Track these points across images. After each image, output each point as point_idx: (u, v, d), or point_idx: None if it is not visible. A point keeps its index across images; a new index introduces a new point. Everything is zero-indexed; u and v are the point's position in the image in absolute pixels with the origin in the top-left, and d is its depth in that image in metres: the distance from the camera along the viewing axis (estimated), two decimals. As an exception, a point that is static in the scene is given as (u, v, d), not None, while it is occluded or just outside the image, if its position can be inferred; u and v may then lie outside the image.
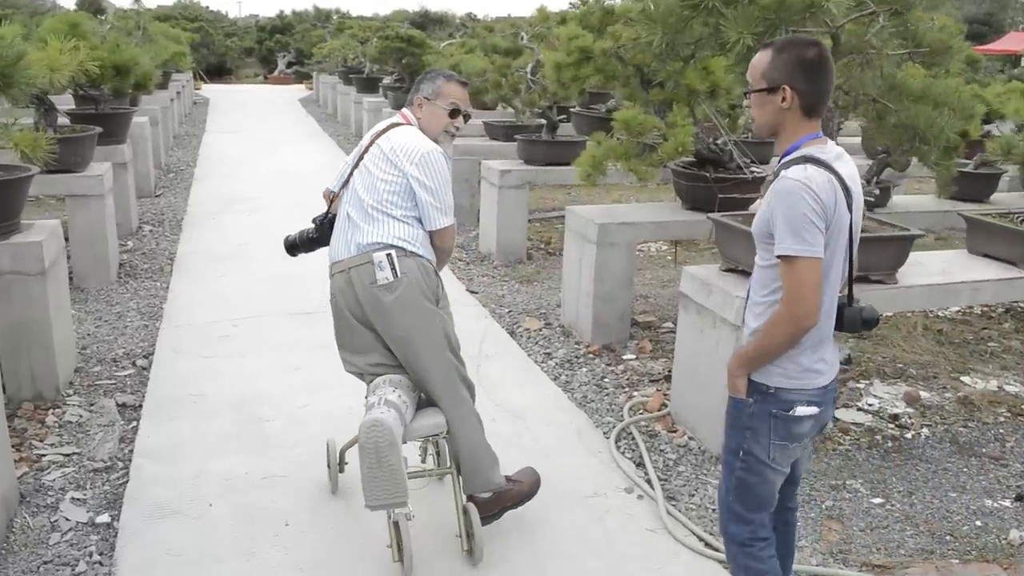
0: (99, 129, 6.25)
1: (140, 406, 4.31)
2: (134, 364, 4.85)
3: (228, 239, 7.59)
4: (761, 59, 2.34)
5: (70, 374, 4.57)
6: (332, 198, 3.38)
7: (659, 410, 4.41)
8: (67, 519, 3.32)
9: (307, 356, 4.95)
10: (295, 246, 3.45)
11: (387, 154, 3.13)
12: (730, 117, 5.63)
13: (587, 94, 8.51)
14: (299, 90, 24.97)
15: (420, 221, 3.14)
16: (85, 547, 3.16)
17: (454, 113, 3.27)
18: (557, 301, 6.14)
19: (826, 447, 4.14)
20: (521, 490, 3.29)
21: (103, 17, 11.00)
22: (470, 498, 3.17)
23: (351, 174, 3.25)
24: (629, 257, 5.33)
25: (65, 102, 7.57)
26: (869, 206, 4.15)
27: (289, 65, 28.77)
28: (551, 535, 3.33)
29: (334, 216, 3.31)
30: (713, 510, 3.51)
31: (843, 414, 4.51)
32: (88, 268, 6.12)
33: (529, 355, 5.18)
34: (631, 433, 4.17)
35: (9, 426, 3.83)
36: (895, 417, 4.51)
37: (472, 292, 6.38)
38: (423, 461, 3.63)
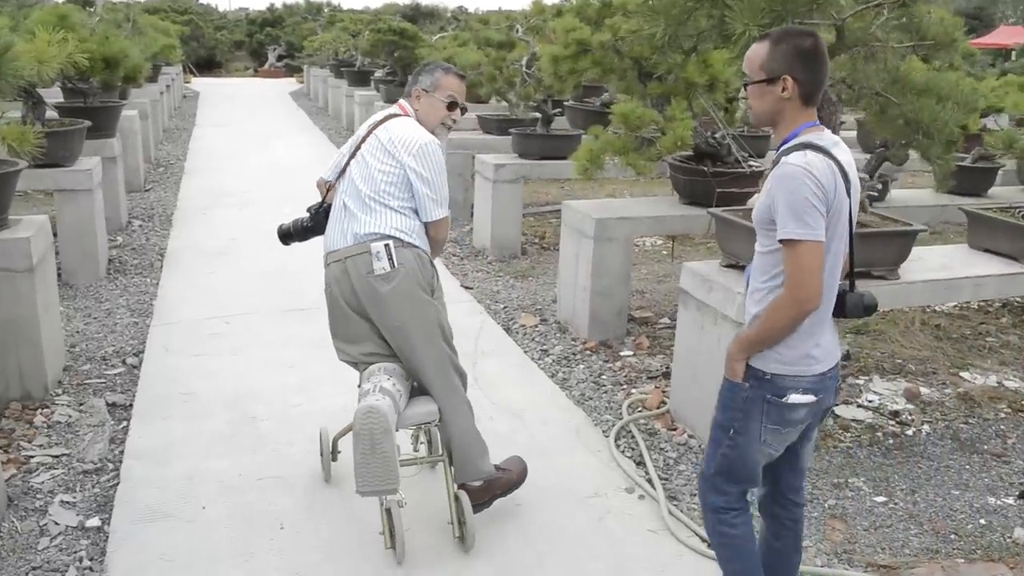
0: (88, 123, 6.15)
1: (131, 405, 4.23)
2: (124, 362, 4.77)
3: (219, 234, 7.49)
4: (759, 51, 2.36)
5: (59, 373, 4.49)
6: (328, 188, 3.37)
7: (658, 408, 4.36)
8: (56, 523, 3.24)
9: (300, 353, 4.87)
10: (289, 235, 3.47)
11: (385, 145, 3.15)
12: (727, 110, 5.57)
13: (581, 87, 8.45)
14: (290, 83, 24.81)
15: (416, 212, 3.16)
16: (75, 552, 3.09)
17: (452, 106, 3.30)
18: (553, 297, 6.08)
19: (827, 444, 4.10)
20: (510, 478, 3.32)
21: (92, 9, 10.85)
22: (461, 486, 3.19)
23: (347, 164, 3.25)
24: (627, 252, 5.27)
25: (53, 95, 7.44)
26: (872, 200, 4.11)
27: (280, 58, 28.58)
28: (551, 536, 3.27)
29: (329, 205, 3.33)
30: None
31: (843, 411, 4.46)
32: (77, 264, 6.03)
33: (525, 352, 5.11)
34: (630, 431, 4.12)
35: (-3, 427, 3.76)
36: (896, 414, 4.47)
37: (467, 288, 6.31)
38: (415, 449, 3.64)
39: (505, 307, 5.92)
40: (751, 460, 2.48)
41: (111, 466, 3.69)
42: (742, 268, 3.91)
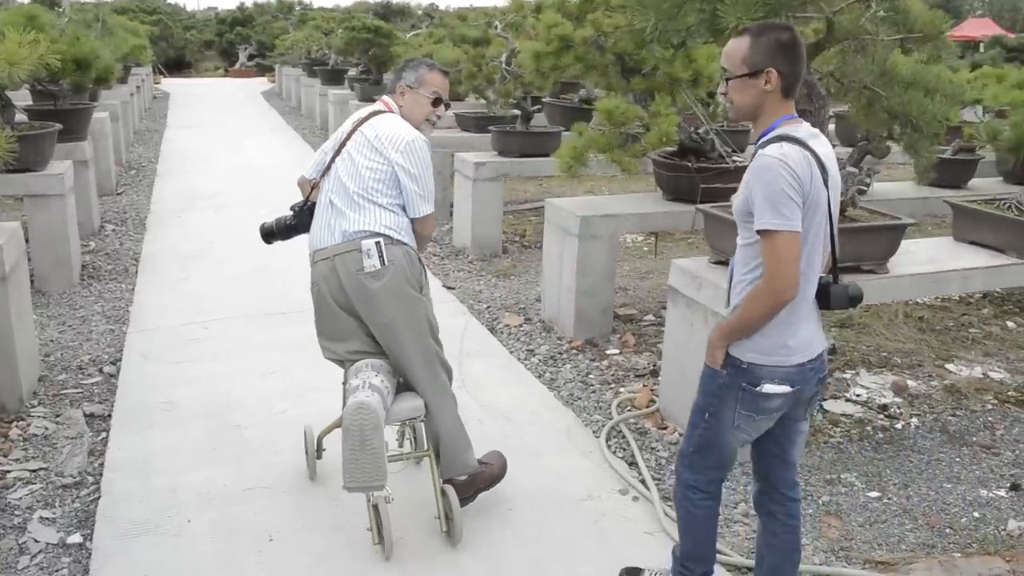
0: (59, 126, 6.00)
1: (109, 416, 4.12)
2: (101, 371, 4.65)
3: (195, 237, 7.36)
4: (740, 45, 2.39)
5: (34, 383, 4.36)
6: (312, 186, 3.34)
7: (648, 406, 4.31)
8: (36, 540, 3.14)
9: (283, 358, 4.78)
10: (272, 234, 3.45)
11: (372, 141, 3.15)
12: (709, 105, 5.53)
13: (558, 84, 8.39)
14: (261, 83, 24.55)
15: (404, 209, 3.17)
16: (57, 570, 2.99)
17: (436, 102, 3.32)
18: (536, 295, 6.03)
19: (817, 440, 4.08)
20: (492, 472, 3.36)
21: (61, 10, 10.63)
22: (447, 481, 3.20)
23: (332, 161, 3.23)
24: (611, 250, 5.22)
25: (21, 98, 7.26)
26: (862, 194, 4.09)
27: (251, 58, 28.27)
28: (546, 540, 3.21)
29: (313, 204, 3.32)
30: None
31: (832, 405, 4.45)
32: (49, 271, 5.89)
33: (511, 352, 5.05)
34: (621, 431, 4.07)
35: (-29, 441, 3.64)
36: (884, 407, 4.46)
37: (449, 288, 6.24)
38: (400, 445, 3.62)
39: (488, 307, 5.86)
40: (725, 443, 2.55)
41: (91, 479, 3.59)
42: (732, 265, 3.88)
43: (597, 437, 4.00)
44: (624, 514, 3.39)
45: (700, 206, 4.23)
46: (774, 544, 2.68)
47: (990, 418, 4.38)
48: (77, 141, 7.01)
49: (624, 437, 4.01)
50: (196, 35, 30.25)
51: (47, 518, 3.29)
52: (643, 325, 5.57)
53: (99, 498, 3.41)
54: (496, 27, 7.81)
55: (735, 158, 5.33)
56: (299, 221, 3.37)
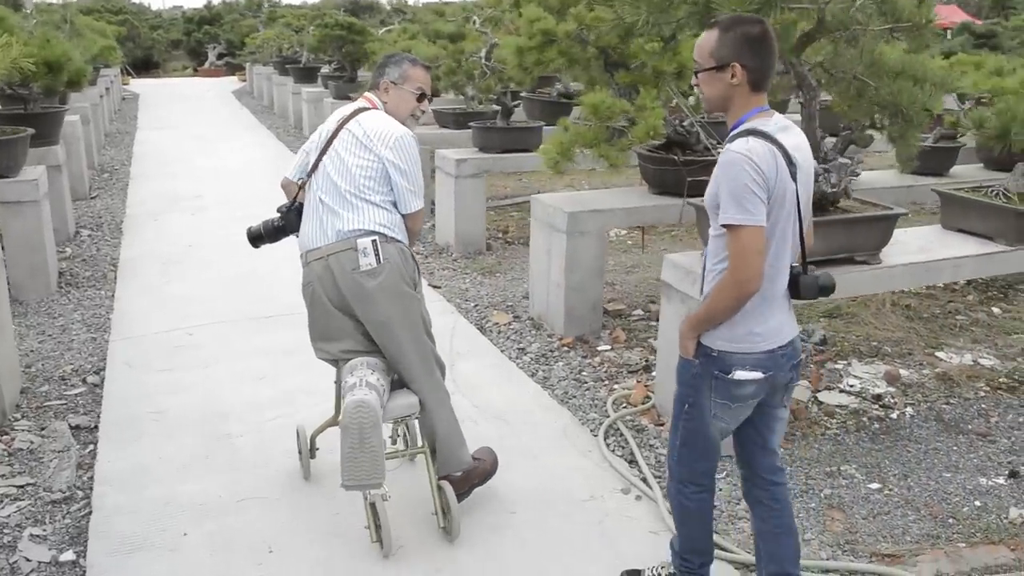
0: (31, 130, 5.86)
1: (96, 427, 4.03)
2: (84, 381, 4.55)
3: (173, 240, 7.22)
4: (708, 38, 2.42)
5: (16, 396, 4.26)
6: (301, 185, 3.30)
7: (643, 403, 4.28)
8: (28, 559, 3.05)
9: (271, 364, 4.70)
10: (259, 236, 3.41)
11: (361, 139, 3.13)
12: (695, 98, 5.51)
13: (536, 78, 8.34)
14: (231, 82, 24.26)
15: (395, 205, 3.16)
16: (51, 589, 2.91)
17: (421, 97, 3.31)
18: (523, 292, 5.98)
19: (814, 432, 4.07)
20: (485, 468, 3.38)
21: (29, 11, 10.40)
22: (443, 477, 3.20)
23: (319, 160, 3.20)
24: (600, 245, 5.19)
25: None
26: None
27: (220, 57, 27.91)
28: (551, 542, 3.17)
29: (300, 204, 3.29)
30: (715, 507, 3.39)
31: (826, 397, 4.44)
32: (26, 279, 5.75)
33: (502, 351, 5.00)
34: (618, 429, 4.04)
35: (-46, 458, 3.54)
36: (878, 397, 4.46)
37: (435, 287, 6.18)
38: (393, 443, 3.60)
39: (476, 305, 5.80)
40: (707, 433, 2.58)
41: (81, 494, 3.50)
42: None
43: (595, 436, 3.96)
44: (627, 514, 3.35)
45: (690, 200, 4.20)
46: (765, 531, 2.70)
47: (983, 405, 4.39)
48: (49, 145, 6.86)
49: (622, 435, 3.98)
50: (163, 35, 29.84)
51: (38, 535, 3.20)
52: (632, 320, 5.54)
53: (90, 513, 3.33)
54: (474, 22, 7.74)
55: (720, 150, 5.29)
56: (287, 223, 3.34)
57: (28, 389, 4.41)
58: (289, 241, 3.43)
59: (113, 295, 5.88)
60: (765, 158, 2.31)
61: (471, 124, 7.32)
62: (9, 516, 3.31)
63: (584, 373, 4.68)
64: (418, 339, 3.16)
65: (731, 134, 2.42)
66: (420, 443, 3.35)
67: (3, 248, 5.50)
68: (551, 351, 4.98)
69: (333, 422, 3.47)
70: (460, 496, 3.20)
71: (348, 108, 3.28)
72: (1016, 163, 4.71)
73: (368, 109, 3.24)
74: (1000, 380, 4.68)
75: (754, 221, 2.30)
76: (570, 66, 5.25)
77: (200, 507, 3.36)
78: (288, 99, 15.06)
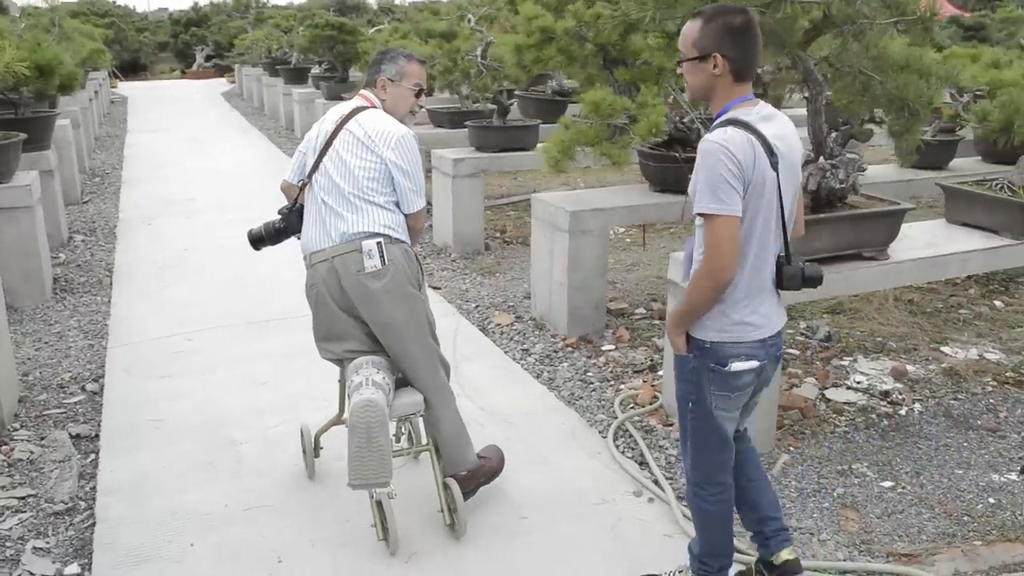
0: (23, 135, 5.78)
1: (96, 436, 3.97)
2: (83, 389, 4.48)
3: (168, 245, 7.15)
4: (691, 29, 2.45)
5: (14, 405, 4.19)
6: (302, 186, 3.26)
7: (651, 403, 4.24)
8: (31, 573, 2.99)
9: (272, 369, 4.64)
10: (261, 239, 3.37)
11: (362, 140, 3.10)
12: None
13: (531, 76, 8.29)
14: (220, 84, 24.11)
15: (398, 205, 3.16)
16: (56, 604, 2.86)
17: (419, 93, 3.28)
18: (523, 292, 5.94)
19: (824, 430, 4.04)
20: (492, 466, 3.37)
21: (16, 15, 10.28)
22: (448, 475, 3.21)
23: (319, 161, 3.16)
24: (602, 244, 5.14)
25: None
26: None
27: (208, 58, 27.75)
28: (564, 547, 3.12)
29: (301, 206, 3.26)
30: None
31: (834, 394, 4.41)
32: (20, 285, 5.67)
33: (506, 352, 4.96)
34: (627, 430, 3.99)
35: (-47, 471, 3.47)
36: (886, 394, 4.43)
37: (435, 288, 6.12)
38: (397, 441, 3.57)
39: (477, 306, 5.75)
40: (716, 425, 2.57)
41: (84, 505, 3.44)
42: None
43: (604, 437, 3.92)
44: (640, 517, 3.31)
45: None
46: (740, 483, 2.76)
47: (992, 400, 4.37)
48: (41, 150, 6.77)
49: (631, 436, 3.94)
50: (150, 37, 29.62)
51: (41, 548, 3.14)
52: (635, 319, 5.50)
53: (94, 524, 3.27)
54: (469, 20, 7.68)
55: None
56: (288, 225, 3.31)
57: (26, 398, 4.34)
58: (286, 243, 3.39)
59: (109, 301, 5.81)
60: (742, 148, 2.32)
61: (467, 123, 7.27)
62: (11, 529, 3.25)
63: (590, 373, 4.64)
64: (423, 340, 3.15)
65: (713, 124, 2.44)
66: (424, 441, 3.36)
67: (-3, 255, 5.43)
68: (555, 352, 4.94)
69: (337, 421, 3.47)
70: (466, 495, 3.19)
71: (346, 107, 3.23)
72: (1020, 156, 4.69)
73: (366, 108, 3.20)
74: (1007, 374, 4.66)
75: (728, 211, 2.32)
76: (569, 64, 5.20)
77: (206, 516, 3.30)
78: (279, 100, 14.96)
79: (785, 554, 2.76)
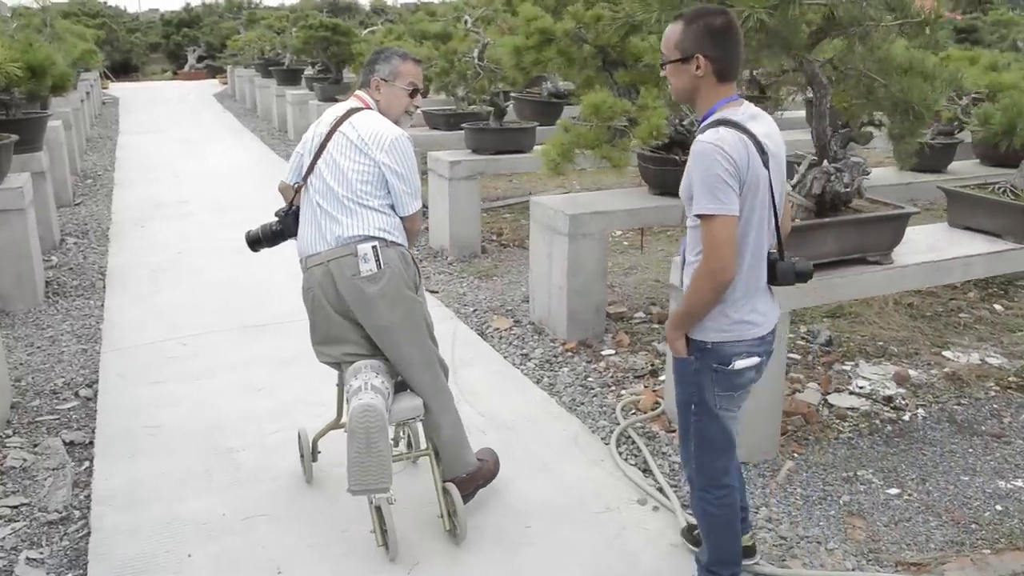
0: (15, 137, 5.71)
1: (91, 443, 3.90)
2: (77, 395, 4.41)
3: (162, 248, 7.07)
4: (673, 31, 2.46)
5: (6, 411, 4.12)
6: (297, 189, 3.22)
7: (652, 409, 4.20)
8: (25, 584, 2.93)
9: (268, 374, 4.57)
10: (258, 241, 3.34)
11: (355, 143, 3.06)
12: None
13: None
14: (212, 85, 24.01)
15: (393, 208, 3.13)
16: (51, 617, 2.79)
17: (413, 93, 3.24)
18: (521, 296, 5.89)
19: (827, 436, 4.00)
20: (489, 469, 3.36)
21: (7, 16, 10.19)
22: (448, 479, 3.18)
23: (314, 163, 3.12)
24: (602, 247, 5.10)
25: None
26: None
27: (200, 60, 27.61)
28: (566, 557, 3.07)
29: (298, 208, 3.22)
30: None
31: (837, 399, 4.38)
32: (12, 289, 5.60)
33: (505, 357, 4.90)
34: (630, 437, 3.95)
35: (-56, 479, 3.40)
36: (889, 399, 4.40)
37: (432, 292, 6.07)
38: (396, 445, 3.55)
39: (475, 310, 5.70)
40: (722, 426, 2.58)
41: (78, 514, 3.37)
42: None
43: (606, 444, 3.87)
44: (645, 526, 3.26)
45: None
46: None
47: (995, 405, 4.34)
48: (32, 152, 6.69)
49: (633, 443, 3.89)
50: (141, 38, 29.43)
51: (35, 559, 3.07)
52: (635, 323, 5.46)
53: (89, 534, 3.20)
54: (466, 21, 7.63)
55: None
56: (285, 227, 3.28)
57: (19, 404, 4.28)
58: (282, 246, 3.36)
59: (102, 304, 5.74)
60: (736, 147, 2.32)
61: (463, 125, 7.22)
62: (4, 539, 3.19)
63: (590, 379, 4.59)
64: (421, 343, 3.12)
65: (701, 125, 2.44)
66: (424, 445, 3.33)
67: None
68: (555, 356, 4.89)
69: (335, 425, 3.44)
70: (465, 498, 3.17)
71: (341, 108, 3.20)
72: (1021, 159, 4.67)
73: (361, 109, 3.16)
74: (1009, 379, 4.63)
75: (726, 211, 2.32)
76: (568, 66, 5.15)
77: (204, 526, 3.24)
78: (272, 102, 14.88)
79: (744, 540, 2.81)
